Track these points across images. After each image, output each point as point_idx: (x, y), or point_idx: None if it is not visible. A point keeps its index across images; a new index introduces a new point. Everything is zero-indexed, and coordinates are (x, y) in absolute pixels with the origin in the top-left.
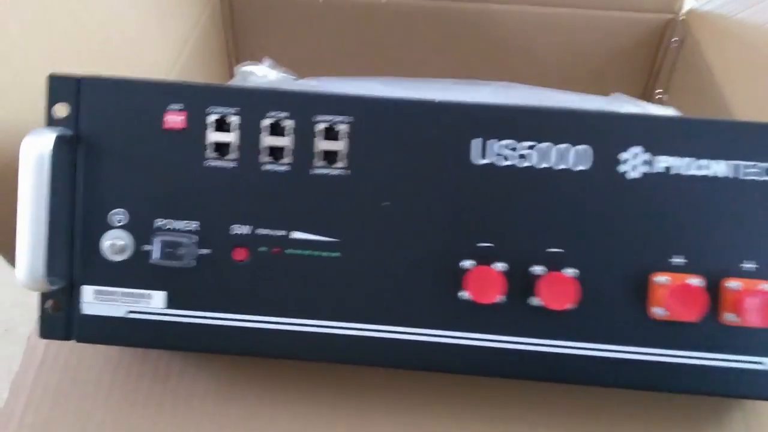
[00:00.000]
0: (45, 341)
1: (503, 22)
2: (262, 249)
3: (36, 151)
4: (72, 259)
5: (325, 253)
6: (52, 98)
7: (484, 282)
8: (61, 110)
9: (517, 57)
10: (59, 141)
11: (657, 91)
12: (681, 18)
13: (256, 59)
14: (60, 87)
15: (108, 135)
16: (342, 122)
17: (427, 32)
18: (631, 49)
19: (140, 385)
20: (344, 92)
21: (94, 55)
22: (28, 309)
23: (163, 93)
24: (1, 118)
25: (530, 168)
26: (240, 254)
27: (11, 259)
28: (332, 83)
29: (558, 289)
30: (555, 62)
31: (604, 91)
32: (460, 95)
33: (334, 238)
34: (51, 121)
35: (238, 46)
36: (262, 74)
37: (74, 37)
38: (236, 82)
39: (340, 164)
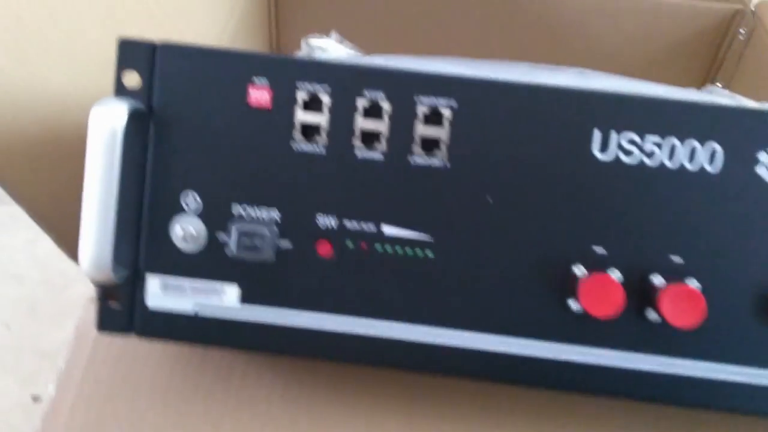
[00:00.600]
0: (95, 331)
1: (562, 6)
2: (349, 244)
3: (107, 125)
4: (138, 245)
5: (417, 252)
6: (123, 65)
7: (602, 292)
8: (133, 80)
9: (574, 41)
10: (131, 115)
11: (717, 84)
12: (751, 9)
13: (298, 31)
14: (132, 54)
15: (183, 110)
16: (445, 106)
17: (483, 13)
18: (694, 39)
19: (200, 384)
20: (448, 72)
21: (141, 23)
22: (54, 287)
23: (247, 65)
24: (46, 79)
25: (654, 166)
26: (324, 248)
27: (59, 237)
28: (402, 62)
29: (684, 303)
30: (612, 48)
31: (659, 81)
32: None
33: (428, 235)
34: (120, 91)
35: (279, 13)
36: (329, 48)
37: (125, 4)
38: (301, 55)
39: (440, 153)
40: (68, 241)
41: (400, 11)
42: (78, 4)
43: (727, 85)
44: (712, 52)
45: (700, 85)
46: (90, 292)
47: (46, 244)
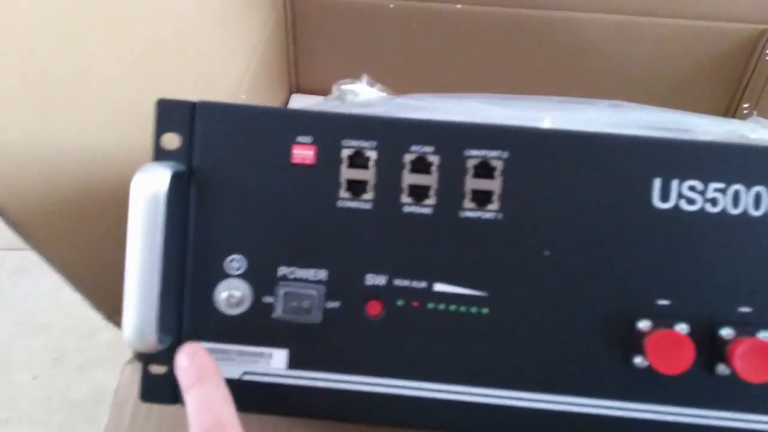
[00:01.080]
0: (134, 396)
1: (583, 31)
2: (400, 302)
3: (148, 192)
4: (181, 311)
5: (472, 309)
6: (161, 126)
7: (671, 348)
8: (172, 141)
9: (598, 67)
10: (174, 178)
11: (744, 105)
12: None
13: (317, 67)
14: (170, 113)
15: (225, 170)
16: (496, 158)
17: (503, 41)
18: (719, 61)
19: None
20: (496, 117)
21: (167, 69)
22: (80, 335)
23: (291, 123)
24: (75, 135)
25: (720, 214)
26: (374, 308)
27: (84, 290)
28: (433, 102)
29: (757, 357)
30: (636, 73)
31: (684, 105)
32: (566, 115)
33: (483, 291)
34: (159, 153)
35: (297, 56)
36: (361, 92)
37: (149, 51)
38: (332, 99)
39: (492, 206)
40: (100, 300)
41: (419, 47)
42: (105, 57)
43: (754, 107)
44: (738, 74)
45: (726, 106)
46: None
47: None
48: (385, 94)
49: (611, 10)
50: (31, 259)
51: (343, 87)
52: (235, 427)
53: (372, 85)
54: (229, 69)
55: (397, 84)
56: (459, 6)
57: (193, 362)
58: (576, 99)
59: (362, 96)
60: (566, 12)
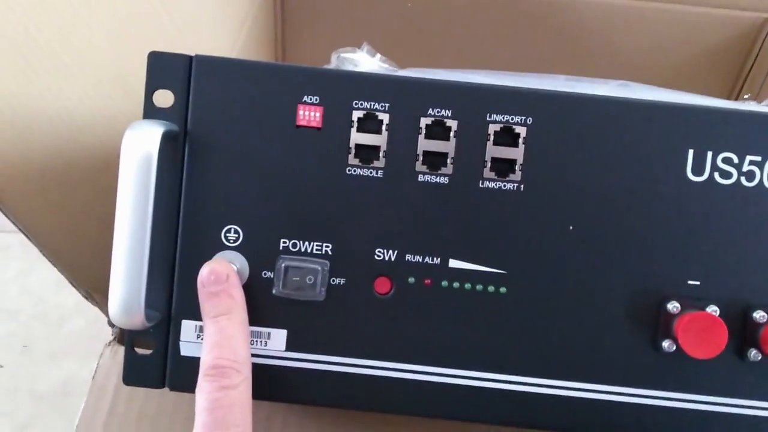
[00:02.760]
0: (114, 381)
1: (583, 15)
2: (411, 280)
3: (139, 151)
4: (172, 286)
5: (489, 288)
6: (153, 82)
7: (704, 330)
8: (165, 98)
9: (600, 52)
10: (165, 138)
11: (745, 96)
12: None
13: (306, 43)
14: (164, 68)
15: (223, 131)
16: (520, 123)
17: (501, 24)
18: (720, 49)
19: None
20: (522, 85)
21: (153, 38)
22: (50, 322)
23: (297, 80)
24: (57, 99)
25: (756, 188)
26: (383, 286)
27: (63, 265)
28: (439, 75)
29: None
30: (637, 59)
31: (686, 91)
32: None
33: (501, 269)
34: (150, 111)
35: (285, 32)
36: (361, 62)
37: (135, 16)
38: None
39: (514, 176)
40: (80, 277)
41: (414, 27)
42: (89, 19)
43: (755, 97)
44: (740, 61)
45: (727, 95)
46: (89, 328)
47: (40, 275)
48: (387, 66)
49: None
50: None
51: (343, 55)
52: (248, 375)
53: (373, 55)
54: (217, 43)
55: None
56: None
57: (224, 289)
58: (584, 78)
59: (362, 66)
60: None
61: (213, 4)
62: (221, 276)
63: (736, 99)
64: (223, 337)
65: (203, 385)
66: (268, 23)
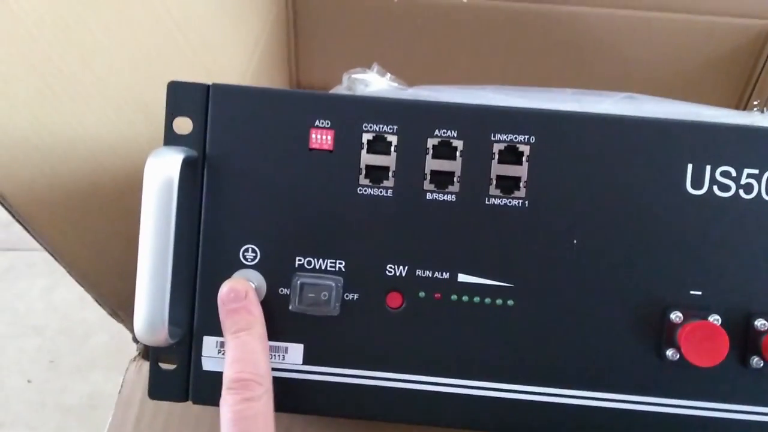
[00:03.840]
0: (140, 395)
1: (590, 27)
2: (422, 294)
3: (160, 177)
4: (193, 304)
5: (497, 301)
6: (173, 110)
7: (705, 339)
8: (184, 125)
9: (607, 63)
10: (185, 164)
11: (754, 103)
12: None
13: (318, 62)
14: (183, 97)
15: (240, 156)
16: (523, 142)
17: (509, 37)
18: (729, 57)
19: None
20: (515, 101)
21: (171, 61)
22: (75, 337)
23: (308, 106)
24: (80, 124)
25: (754, 200)
26: (395, 300)
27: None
28: (447, 93)
29: None
30: (644, 69)
31: (694, 100)
32: (580, 108)
33: (508, 282)
34: (170, 138)
35: (299, 51)
36: (372, 82)
37: (153, 39)
38: (342, 89)
39: (519, 193)
40: (104, 295)
41: (424, 43)
42: (109, 46)
43: (764, 103)
44: (748, 70)
45: (736, 103)
46: (113, 342)
47: (64, 291)
48: (396, 85)
49: (619, 6)
50: (23, 259)
51: (354, 76)
52: (270, 387)
53: (383, 75)
54: (232, 63)
55: (401, 79)
56: (465, 0)
57: (244, 306)
58: (590, 91)
59: (373, 86)
60: (574, 7)
61: (227, 27)
62: (240, 293)
63: (746, 106)
64: (244, 351)
65: (227, 398)
66: (281, 43)
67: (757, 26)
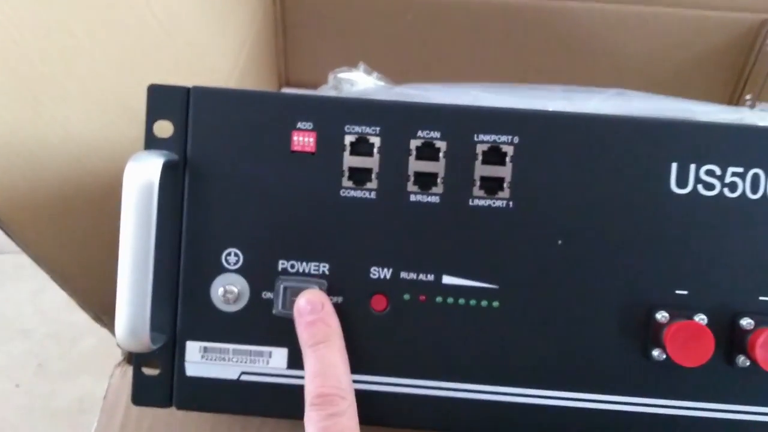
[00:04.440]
0: (125, 400)
1: (582, 21)
2: (406, 297)
3: (140, 181)
4: (176, 309)
5: (482, 303)
6: (153, 113)
7: (691, 339)
8: (165, 128)
9: (596, 58)
10: (166, 168)
11: (746, 97)
12: None
13: (307, 60)
14: (163, 100)
15: (221, 159)
16: (507, 143)
17: (499, 33)
18: (721, 51)
19: None
20: (506, 106)
21: (156, 62)
22: (63, 341)
23: (290, 108)
24: (63, 128)
25: (739, 199)
26: (379, 303)
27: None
28: (434, 92)
29: None
30: (636, 63)
31: (686, 96)
32: (569, 105)
33: (493, 284)
34: (150, 141)
35: (287, 49)
36: (358, 81)
37: (137, 41)
38: (328, 89)
39: (503, 194)
40: (88, 300)
41: (414, 39)
42: (91, 48)
43: (756, 97)
44: (740, 63)
45: (729, 97)
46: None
47: (52, 295)
48: (383, 83)
49: (610, 0)
50: (10, 262)
51: (340, 75)
52: (353, 400)
53: (369, 74)
54: (218, 63)
55: (390, 77)
56: None
57: (321, 318)
58: (580, 87)
59: (359, 85)
60: (565, 2)
61: (213, 26)
62: (317, 305)
63: (738, 100)
64: (324, 365)
65: (311, 415)
66: (270, 42)
67: (749, 20)
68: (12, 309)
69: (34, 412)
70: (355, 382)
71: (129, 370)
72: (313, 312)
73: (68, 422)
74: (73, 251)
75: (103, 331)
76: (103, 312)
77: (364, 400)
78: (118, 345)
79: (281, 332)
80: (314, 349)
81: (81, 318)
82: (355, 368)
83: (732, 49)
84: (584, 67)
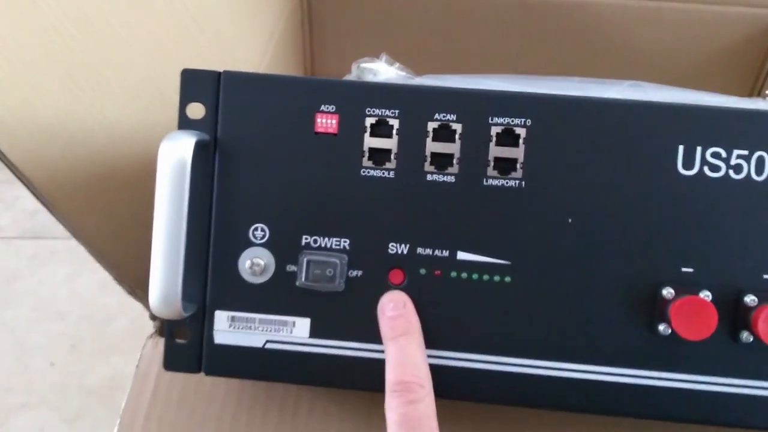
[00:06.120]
0: (156, 368)
1: (601, 17)
2: (422, 271)
3: (174, 158)
4: (206, 280)
5: (495, 278)
6: (186, 96)
7: (694, 314)
8: (197, 110)
9: (617, 53)
10: (198, 146)
11: (766, 92)
12: None
13: (333, 53)
14: (195, 83)
15: (249, 139)
16: (520, 125)
17: (520, 27)
18: (740, 47)
19: (266, 423)
20: (520, 90)
21: (187, 53)
22: (96, 322)
23: (314, 91)
24: (101, 113)
25: (744, 180)
26: (397, 277)
27: (108, 263)
28: (453, 82)
29: None
30: (655, 59)
31: (706, 89)
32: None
33: (506, 260)
34: (183, 122)
35: (314, 42)
36: (380, 71)
37: (169, 32)
38: (351, 78)
39: (516, 174)
40: (123, 274)
41: (436, 32)
42: (128, 39)
43: None
44: (759, 59)
45: (748, 92)
46: (132, 326)
47: (87, 278)
48: (404, 74)
49: None
50: (48, 247)
51: (363, 65)
52: (431, 389)
53: (391, 64)
54: (247, 55)
55: (414, 69)
56: None
57: (402, 314)
58: (596, 79)
59: (381, 75)
60: None
61: (242, 19)
62: (399, 303)
63: (758, 95)
64: (404, 355)
65: (391, 401)
66: (296, 35)
67: (766, 15)
68: (48, 292)
69: (68, 389)
70: (371, 351)
71: (160, 342)
72: (396, 309)
73: (100, 399)
74: (110, 228)
75: (134, 313)
76: (137, 286)
77: (380, 368)
78: (151, 317)
79: (304, 303)
80: (395, 341)
81: (113, 300)
82: (371, 338)
83: (751, 44)
84: (603, 62)
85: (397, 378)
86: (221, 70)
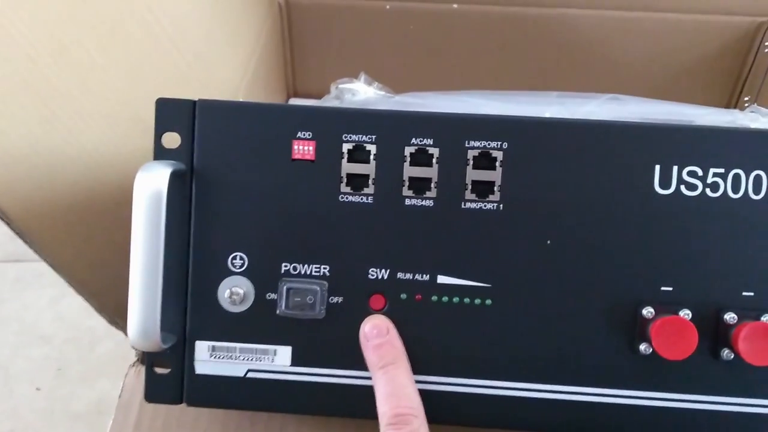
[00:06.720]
0: (139, 398)
1: (580, 28)
2: (403, 296)
3: (149, 190)
4: (185, 310)
5: (476, 301)
6: (161, 126)
7: (676, 334)
8: (173, 140)
9: (597, 63)
10: (173, 177)
11: (745, 99)
12: None
13: (314, 71)
14: (170, 113)
15: (226, 168)
16: (497, 148)
17: (499, 41)
18: (718, 55)
19: None
20: (495, 113)
21: (166, 75)
22: (82, 345)
23: (290, 118)
24: (77, 141)
25: (720, 198)
26: (377, 302)
27: (87, 294)
28: (432, 99)
29: (763, 340)
30: (635, 69)
31: (685, 100)
32: (565, 110)
33: (486, 283)
34: (159, 152)
35: (294, 60)
36: (359, 91)
37: (148, 56)
38: (331, 98)
39: (494, 197)
40: (103, 304)
41: (417, 48)
42: (105, 64)
43: (754, 100)
44: (738, 67)
45: (727, 100)
46: (118, 349)
47: (71, 301)
48: (383, 93)
49: (608, 6)
50: (31, 270)
51: (341, 86)
52: (424, 417)
53: (370, 84)
54: (227, 75)
55: (395, 86)
56: (455, 6)
57: (387, 341)
58: (575, 93)
59: (360, 95)
60: (563, 9)
61: (221, 40)
62: (383, 329)
63: (737, 103)
64: (395, 386)
65: None
66: (277, 54)
67: (746, 23)
68: (32, 315)
69: (54, 414)
70: (354, 378)
71: (143, 370)
72: (380, 336)
73: (87, 424)
74: (89, 257)
75: (120, 336)
76: (118, 315)
77: (364, 395)
78: (132, 345)
79: (285, 331)
80: (384, 370)
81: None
82: (353, 365)
83: (730, 52)
84: (583, 73)
85: (391, 411)
86: (200, 94)
